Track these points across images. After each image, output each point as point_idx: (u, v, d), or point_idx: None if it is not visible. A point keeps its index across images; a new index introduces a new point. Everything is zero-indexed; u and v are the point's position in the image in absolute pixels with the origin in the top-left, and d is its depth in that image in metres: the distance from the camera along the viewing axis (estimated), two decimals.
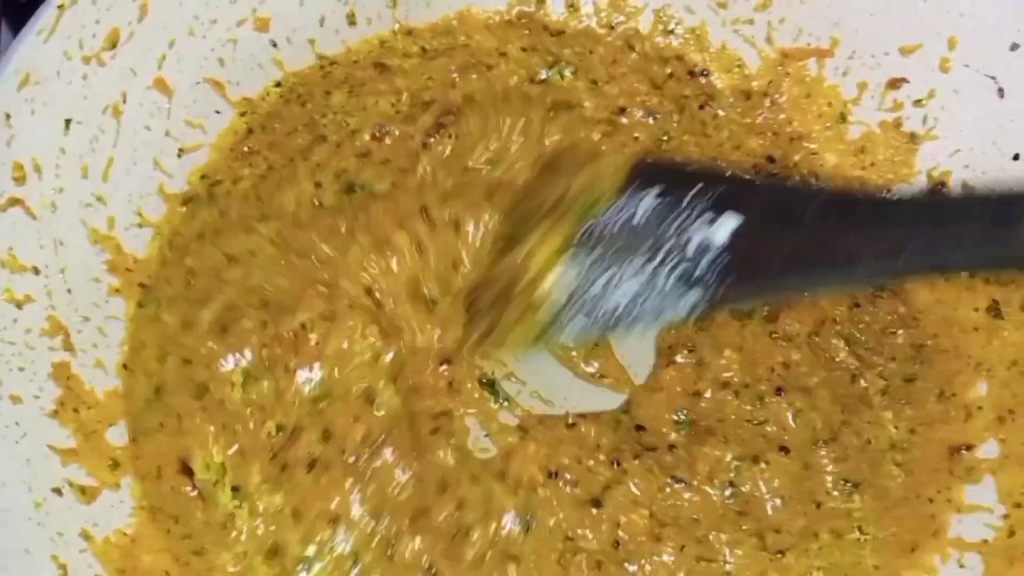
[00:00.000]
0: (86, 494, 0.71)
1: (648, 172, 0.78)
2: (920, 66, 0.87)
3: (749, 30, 0.93)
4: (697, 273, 0.73)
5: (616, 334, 0.78)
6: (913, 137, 0.88)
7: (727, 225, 0.72)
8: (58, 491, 0.69)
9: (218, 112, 0.87)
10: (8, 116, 0.71)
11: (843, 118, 0.91)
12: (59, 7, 0.74)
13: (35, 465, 0.68)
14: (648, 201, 0.75)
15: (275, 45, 0.89)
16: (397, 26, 0.93)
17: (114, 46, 0.78)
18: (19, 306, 0.72)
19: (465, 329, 0.81)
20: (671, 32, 0.96)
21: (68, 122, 0.76)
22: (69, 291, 0.76)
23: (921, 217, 0.70)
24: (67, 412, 0.72)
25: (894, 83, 0.89)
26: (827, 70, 0.92)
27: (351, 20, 0.92)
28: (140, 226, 0.83)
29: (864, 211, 0.72)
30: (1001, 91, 0.82)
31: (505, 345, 0.79)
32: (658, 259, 0.74)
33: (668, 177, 0.77)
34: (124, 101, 0.80)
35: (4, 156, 0.71)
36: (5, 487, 0.65)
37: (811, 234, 0.72)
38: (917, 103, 0.88)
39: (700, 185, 0.74)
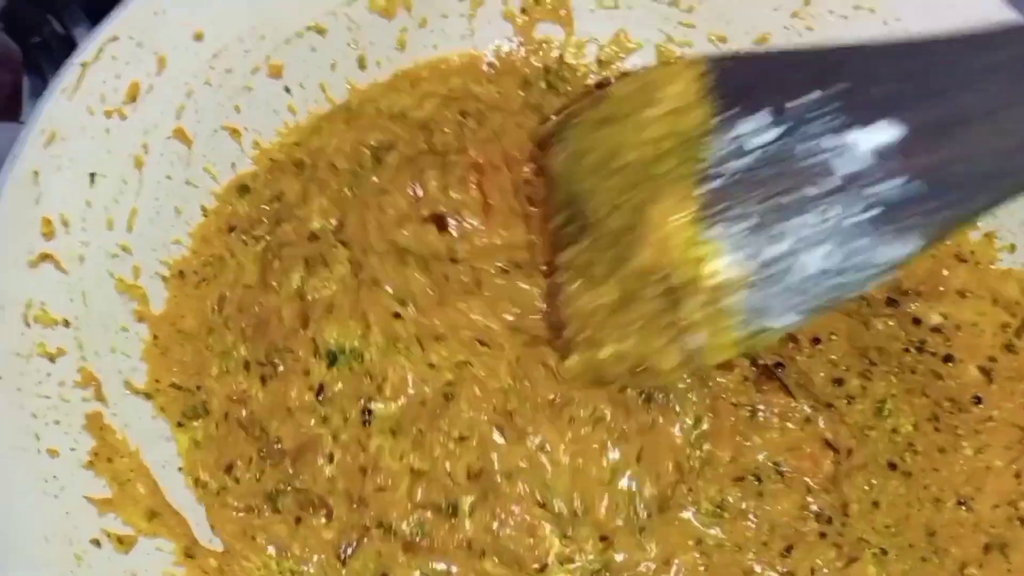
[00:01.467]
0: (123, 543, 0.72)
1: (736, 83, 0.65)
2: None
3: None
4: (897, 192, 0.58)
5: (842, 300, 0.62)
6: None
7: (893, 132, 0.58)
8: (96, 543, 0.70)
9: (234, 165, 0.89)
10: (36, 174, 0.73)
11: None
12: (82, 65, 0.75)
13: (74, 517, 0.70)
14: (767, 125, 0.61)
15: (288, 91, 0.90)
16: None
17: (134, 99, 0.80)
18: (52, 360, 0.73)
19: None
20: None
21: (93, 176, 0.78)
22: (98, 342, 0.77)
23: None
24: (101, 462, 0.74)
25: None
26: None
27: (361, 64, 0.94)
28: (164, 278, 0.84)
29: None
30: None
31: (707, 356, 0.65)
32: (837, 187, 0.59)
33: (767, 87, 0.63)
34: (146, 152, 0.82)
35: (34, 214, 0.73)
36: (48, 543, 0.66)
37: (998, 114, 0.56)
38: None
39: (819, 92, 0.60)
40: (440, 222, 0.87)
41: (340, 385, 0.80)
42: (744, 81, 0.65)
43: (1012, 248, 0.85)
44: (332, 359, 0.80)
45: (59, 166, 0.75)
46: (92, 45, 0.76)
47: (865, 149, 0.58)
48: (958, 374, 0.83)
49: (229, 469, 0.79)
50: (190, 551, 0.76)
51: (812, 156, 0.60)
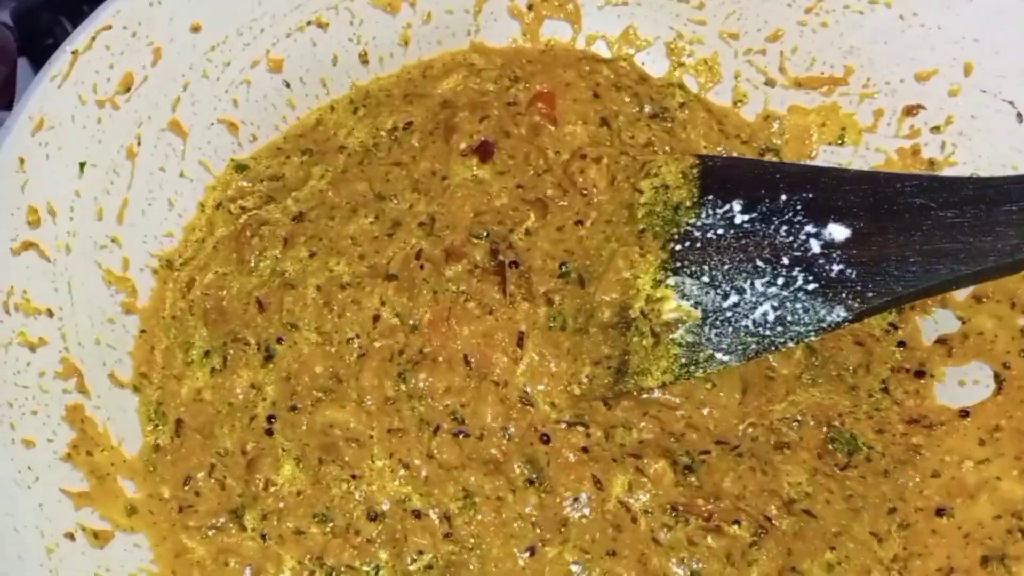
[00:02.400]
0: (99, 538, 0.70)
1: (719, 176, 0.81)
2: (936, 92, 0.86)
3: (762, 60, 0.93)
4: (834, 276, 0.73)
5: (769, 352, 0.76)
6: (932, 164, 0.87)
7: (840, 233, 0.74)
8: (71, 536, 0.68)
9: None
10: (22, 161, 0.72)
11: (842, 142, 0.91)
12: (73, 53, 0.74)
13: (47, 510, 0.68)
14: (737, 213, 0.78)
15: (288, 85, 0.89)
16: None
17: (128, 90, 0.79)
18: (33, 349, 0.72)
19: (593, 365, 0.80)
20: (683, 65, 0.96)
21: (83, 165, 0.77)
22: (83, 333, 0.75)
23: None
24: (81, 455, 0.72)
25: (910, 110, 0.88)
26: (842, 98, 0.91)
27: (363, 59, 0.92)
28: (155, 270, 0.83)
29: (975, 200, 0.70)
30: (1020, 116, 0.81)
31: (653, 375, 0.78)
32: (784, 264, 0.75)
33: (743, 184, 0.79)
34: (139, 143, 0.81)
35: (18, 201, 0.72)
36: (18, 534, 0.64)
37: (934, 227, 0.71)
38: (934, 129, 0.87)
39: (784, 197, 0.77)
40: (484, 151, 0.88)
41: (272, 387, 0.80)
42: (727, 177, 0.81)
43: None
44: (268, 354, 0.80)
45: (47, 154, 0.74)
46: (84, 34, 0.75)
47: (814, 242, 0.75)
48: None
49: (187, 481, 0.77)
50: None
51: (768, 240, 0.77)
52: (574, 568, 0.74)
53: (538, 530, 0.75)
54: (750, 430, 0.80)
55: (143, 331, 0.81)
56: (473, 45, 0.96)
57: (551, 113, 0.92)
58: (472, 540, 0.75)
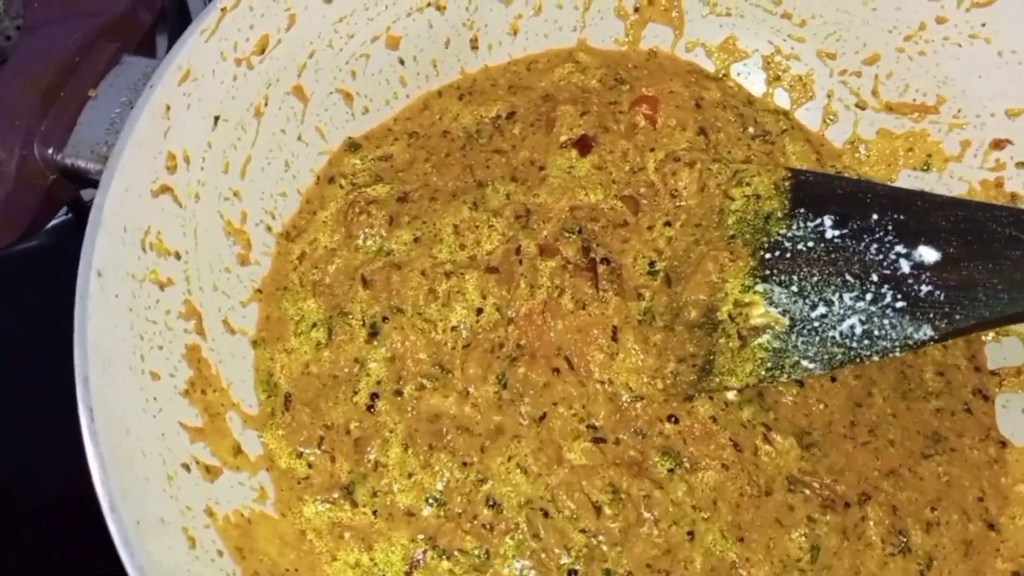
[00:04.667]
0: (210, 472, 0.74)
1: (811, 191, 0.84)
2: None
3: (856, 82, 0.96)
4: (922, 296, 0.76)
5: (853, 364, 0.79)
6: (1014, 197, 0.90)
7: (930, 255, 0.77)
8: (186, 467, 0.72)
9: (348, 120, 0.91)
10: (168, 108, 0.75)
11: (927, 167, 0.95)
12: (222, 10, 0.78)
13: (168, 440, 0.71)
14: (828, 227, 0.81)
15: (403, 63, 0.93)
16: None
17: (263, 51, 0.82)
18: (162, 287, 0.75)
19: (678, 362, 0.82)
20: (778, 79, 0.99)
21: (216, 119, 0.80)
22: (203, 278, 0.79)
23: None
24: (196, 392, 0.75)
25: (998, 144, 0.91)
26: (931, 126, 0.94)
27: (474, 44, 0.96)
28: (268, 228, 0.86)
29: None
30: None
31: (737, 376, 0.80)
32: (873, 281, 0.78)
33: (834, 200, 0.82)
34: (266, 104, 0.84)
35: (161, 146, 0.75)
36: (145, 458, 0.67)
37: (1020, 257, 0.74)
38: (1020, 165, 0.90)
39: (876, 216, 0.80)
40: (583, 144, 0.91)
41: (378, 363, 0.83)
42: (819, 192, 0.84)
43: None
44: (373, 331, 0.83)
45: (188, 104, 0.77)
46: None
47: (904, 262, 0.77)
48: None
49: (300, 455, 0.81)
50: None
51: (859, 257, 0.79)
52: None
53: (692, 512, 0.79)
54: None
55: (259, 298, 0.84)
56: (579, 43, 1.00)
57: (652, 116, 0.95)
58: (619, 534, 0.78)
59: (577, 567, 0.77)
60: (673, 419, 0.81)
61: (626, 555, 0.77)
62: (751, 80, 1.00)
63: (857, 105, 0.97)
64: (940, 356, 0.90)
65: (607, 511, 0.78)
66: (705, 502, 0.79)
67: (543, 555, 0.77)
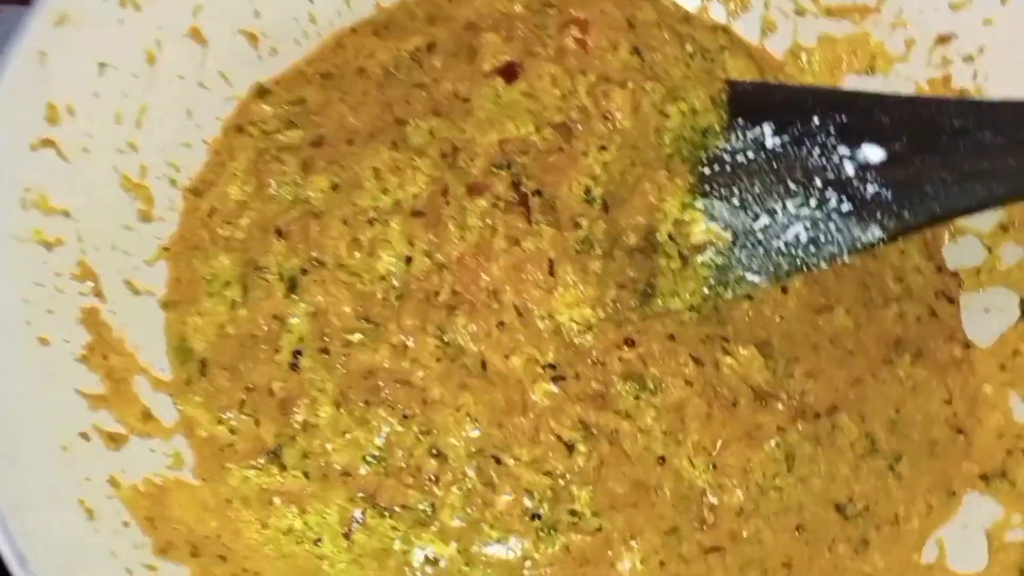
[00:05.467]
0: (115, 440, 0.70)
1: (749, 101, 0.82)
2: (970, 22, 0.84)
3: None
4: (868, 197, 0.74)
5: (801, 272, 0.78)
6: (963, 93, 0.86)
7: (875, 154, 0.74)
8: (85, 436, 0.68)
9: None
10: (43, 55, 0.70)
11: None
12: None
13: (63, 409, 0.67)
14: (767, 136, 0.79)
15: None
16: None
17: None
18: (49, 248, 0.71)
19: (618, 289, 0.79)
20: None
21: (103, 66, 0.75)
22: (99, 237, 0.74)
23: None
24: (96, 357, 0.71)
25: (943, 39, 0.87)
26: (873, 27, 0.89)
27: None
28: (173, 181, 0.81)
29: (1015, 120, 0.71)
30: None
31: (681, 297, 0.78)
32: (817, 186, 0.76)
33: (774, 107, 0.80)
34: (159, 48, 0.79)
35: (37, 95, 0.71)
36: (34, 427, 0.63)
37: (971, 148, 0.71)
38: (967, 59, 0.86)
39: (817, 119, 0.77)
40: (509, 71, 0.85)
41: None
42: (757, 101, 0.82)
43: None
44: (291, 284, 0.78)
45: (68, 50, 0.72)
46: None
47: (849, 163, 0.75)
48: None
49: (221, 421, 0.76)
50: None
51: (800, 163, 0.77)
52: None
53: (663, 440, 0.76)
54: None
55: (168, 258, 0.80)
56: None
57: (583, 38, 0.90)
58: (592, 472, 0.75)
59: (541, 510, 0.73)
60: (630, 342, 0.77)
61: (598, 492, 0.74)
62: None
63: (796, 12, 0.92)
64: (899, 261, 0.86)
65: (581, 448, 0.74)
66: (674, 423, 0.75)
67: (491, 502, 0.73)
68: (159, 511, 0.69)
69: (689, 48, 0.91)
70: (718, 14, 0.95)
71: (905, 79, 0.88)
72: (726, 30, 0.95)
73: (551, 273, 0.78)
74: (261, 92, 0.87)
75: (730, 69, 0.92)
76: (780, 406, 0.77)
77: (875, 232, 0.74)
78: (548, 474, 0.74)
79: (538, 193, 0.80)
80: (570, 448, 0.74)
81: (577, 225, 0.80)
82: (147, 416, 0.73)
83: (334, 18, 0.90)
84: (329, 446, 0.74)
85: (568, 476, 0.74)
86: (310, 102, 0.87)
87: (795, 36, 0.93)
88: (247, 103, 0.86)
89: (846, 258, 0.75)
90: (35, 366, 0.66)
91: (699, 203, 0.79)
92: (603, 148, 0.84)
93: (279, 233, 0.80)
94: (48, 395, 0.66)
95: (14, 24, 0.73)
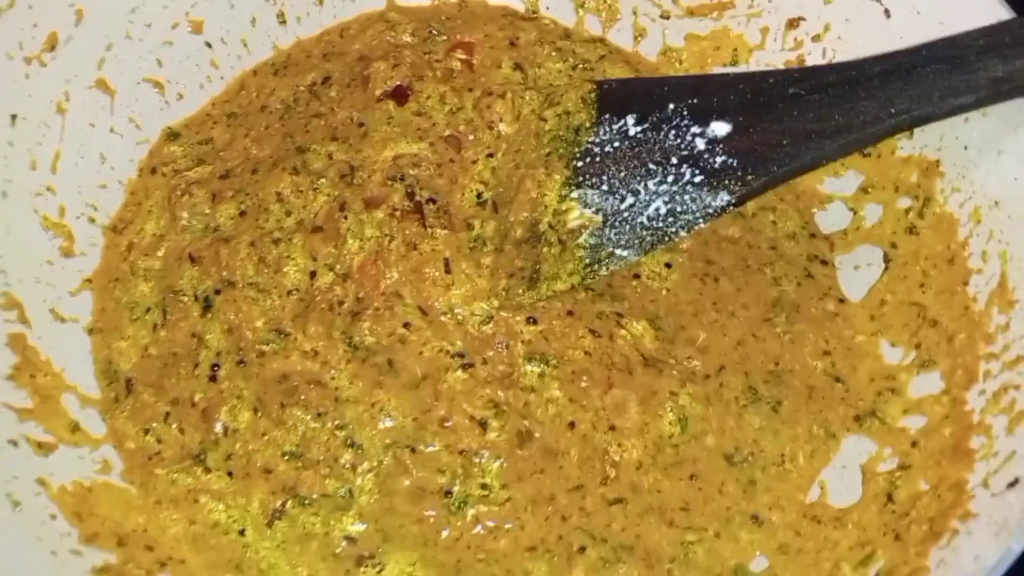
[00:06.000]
0: (43, 447, 0.75)
1: (614, 97, 0.88)
2: (814, 3, 0.92)
3: None
4: (717, 166, 0.80)
5: (664, 243, 0.83)
6: None
7: (722, 129, 0.81)
8: (13, 443, 0.73)
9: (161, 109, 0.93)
10: None
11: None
12: None
13: None
14: (631, 126, 0.85)
15: (210, 46, 0.95)
16: None
17: (53, 48, 0.85)
18: None
19: (508, 278, 0.85)
20: (583, 5, 1.02)
21: (14, 117, 0.82)
22: (22, 271, 0.81)
23: (891, 75, 0.76)
24: (23, 376, 0.77)
25: (793, 23, 0.94)
26: (731, 21, 0.97)
27: (281, 19, 0.99)
28: (92, 220, 0.88)
29: (839, 82, 0.79)
30: (887, 12, 0.87)
31: (561, 279, 0.83)
32: (673, 164, 0.82)
33: (635, 100, 0.87)
34: (67, 99, 0.86)
35: None
36: None
37: (804, 110, 0.79)
38: (815, 38, 0.93)
39: (672, 105, 0.84)
40: (399, 94, 0.93)
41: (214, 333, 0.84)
42: (621, 96, 0.88)
43: (910, 135, 0.86)
44: (206, 304, 0.85)
45: None
46: None
47: (700, 140, 0.82)
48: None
49: (147, 432, 0.81)
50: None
51: (659, 145, 0.84)
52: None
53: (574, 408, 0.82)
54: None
55: (92, 289, 0.86)
56: (389, 4, 1.03)
57: (468, 59, 0.98)
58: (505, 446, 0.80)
59: (453, 488, 0.78)
60: (532, 320, 0.83)
61: (507, 465, 0.79)
62: (560, 12, 1.03)
63: (662, 16, 1.00)
64: (772, 232, 0.92)
65: (492, 424, 0.80)
66: (577, 392, 0.81)
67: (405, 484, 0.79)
68: (86, 508, 0.73)
69: (571, 61, 0.99)
70: (593, 27, 1.03)
71: (765, 66, 0.95)
72: (603, 41, 1.02)
73: (447, 271, 0.85)
74: (171, 135, 0.94)
75: (611, 75, 0.99)
76: (673, 372, 0.82)
77: (723, 197, 0.80)
78: (461, 453, 0.79)
79: (431, 201, 0.87)
80: (483, 425, 0.80)
81: (470, 226, 0.87)
82: (75, 428, 0.78)
83: (235, 62, 0.97)
84: (250, 447, 0.80)
85: (482, 453, 0.79)
86: (217, 140, 0.94)
87: (664, 39, 1.00)
88: (159, 146, 0.93)
89: (701, 224, 0.81)
90: None
91: (574, 193, 0.85)
92: (490, 155, 0.91)
93: (192, 259, 0.87)
94: None
95: None
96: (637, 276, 0.88)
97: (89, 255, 0.87)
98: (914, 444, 0.78)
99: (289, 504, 0.78)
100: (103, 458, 0.79)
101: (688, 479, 0.81)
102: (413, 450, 0.79)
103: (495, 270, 0.85)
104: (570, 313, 0.84)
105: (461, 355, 0.82)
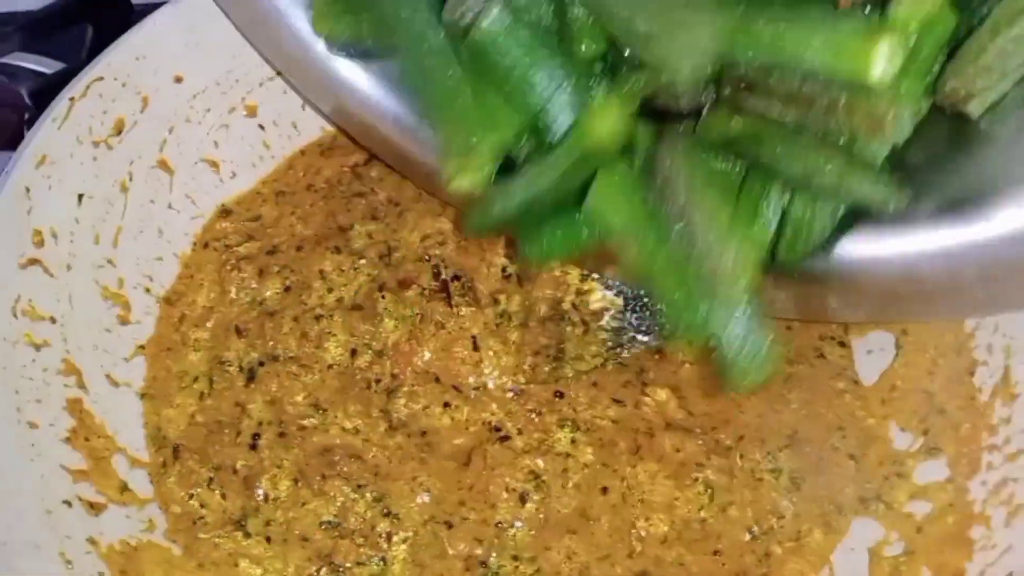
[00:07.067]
0: (94, 508, 0.80)
1: None
2: None
3: None
4: None
5: None
6: None
7: None
8: (68, 503, 0.79)
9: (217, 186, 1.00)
10: (28, 190, 0.84)
11: None
12: (70, 100, 0.87)
13: (47, 480, 0.78)
14: None
15: (263, 128, 1.02)
16: None
17: (120, 132, 0.92)
18: (37, 348, 0.83)
19: (534, 355, 0.89)
20: None
21: (80, 196, 0.89)
22: (82, 338, 0.87)
23: None
24: (79, 439, 0.83)
25: None
26: None
27: None
28: (148, 290, 0.94)
29: None
30: None
31: (585, 359, 0.88)
32: None
33: None
34: (131, 179, 0.93)
35: (24, 223, 0.84)
36: (20, 493, 0.74)
37: None
38: None
39: None
40: None
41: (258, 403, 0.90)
42: None
43: None
44: (250, 376, 0.91)
45: (49, 185, 0.86)
46: (80, 83, 0.88)
47: None
48: None
49: (191, 496, 0.86)
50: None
51: None
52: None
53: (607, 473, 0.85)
54: None
55: (145, 355, 0.92)
56: None
57: None
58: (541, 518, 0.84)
59: (490, 559, 0.82)
60: (559, 394, 0.87)
61: (538, 535, 0.83)
62: None
63: None
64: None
65: (533, 496, 0.83)
66: (609, 457, 0.85)
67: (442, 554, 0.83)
68: (133, 567, 0.79)
69: None
70: None
71: None
72: None
73: (475, 348, 0.90)
74: (224, 212, 1.00)
75: None
76: (698, 442, 0.86)
77: None
78: (497, 525, 0.83)
79: (456, 278, 0.92)
80: (523, 499, 0.84)
81: (496, 301, 0.92)
82: (124, 488, 0.83)
83: (285, 143, 1.04)
84: (290, 514, 0.84)
85: (515, 524, 0.83)
86: (265, 217, 1.01)
87: None
88: (212, 222, 1.00)
89: None
90: (24, 445, 0.78)
91: (595, 273, 0.90)
92: None
93: (239, 332, 0.93)
94: (35, 468, 0.77)
95: (2, 165, 0.88)
96: (660, 351, 0.91)
97: (144, 323, 0.93)
98: (919, 530, 0.81)
99: (324, 571, 0.82)
100: (148, 517, 0.84)
101: (712, 554, 0.83)
102: (450, 525, 0.83)
103: (521, 346, 0.90)
104: (595, 384, 0.88)
105: (497, 428, 0.87)
